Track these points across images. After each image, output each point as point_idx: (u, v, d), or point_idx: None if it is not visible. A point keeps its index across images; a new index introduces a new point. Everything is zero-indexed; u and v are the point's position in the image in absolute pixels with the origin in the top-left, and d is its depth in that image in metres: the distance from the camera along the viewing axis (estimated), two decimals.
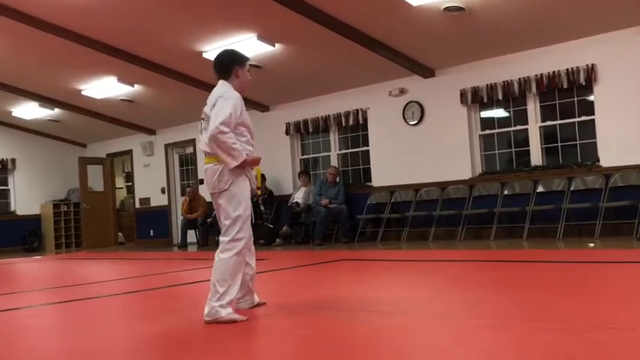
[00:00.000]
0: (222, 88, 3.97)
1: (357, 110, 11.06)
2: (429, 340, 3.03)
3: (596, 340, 2.75)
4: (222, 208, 3.78)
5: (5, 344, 3.61)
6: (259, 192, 11.33)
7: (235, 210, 3.73)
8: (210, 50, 9.67)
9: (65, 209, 15.84)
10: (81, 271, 9.16)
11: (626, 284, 4.49)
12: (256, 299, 4.08)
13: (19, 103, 13.50)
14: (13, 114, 14.24)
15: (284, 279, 6.19)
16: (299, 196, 11.41)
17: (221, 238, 3.75)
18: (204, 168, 3.89)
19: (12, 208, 15.56)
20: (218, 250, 3.72)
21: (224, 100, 3.80)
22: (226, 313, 3.58)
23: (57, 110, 13.68)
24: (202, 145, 3.87)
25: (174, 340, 3.36)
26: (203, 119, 3.89)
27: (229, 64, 4.08)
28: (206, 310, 3.61)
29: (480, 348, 2.79)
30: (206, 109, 3.87)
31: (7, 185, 15.61)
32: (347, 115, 11.19)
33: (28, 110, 13.80)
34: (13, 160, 15.48)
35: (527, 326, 3.13)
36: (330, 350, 2.92)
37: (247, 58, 4.23)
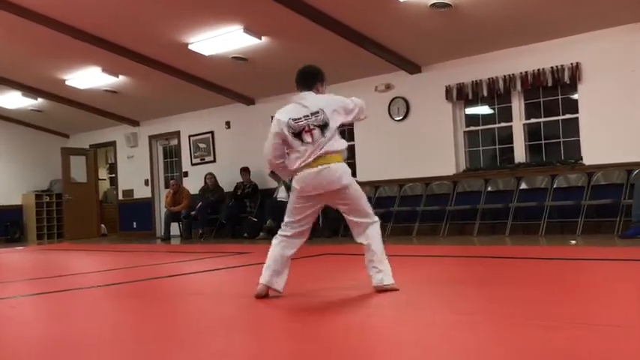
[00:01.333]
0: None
1: None
2: (411, 335, 3.03)
3: (578, 336, 2.76)
4: (357, 197, 4.34)
5: None
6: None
7: (363, 193, 4.38)
8: (196, 42, 9.62)
9: (47, 200, 15.72)
10: (63, 262, 9.09)
11: (608, 282, 4.52)
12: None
13: (1, 93, 13.35)
14: None
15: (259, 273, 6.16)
16: (283, 192, 11.39)
17: (366, 220, 4.29)
18: (327, 167, 4.19)
19: None
20: (372, 228, 4.31)
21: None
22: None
23: (40, 100, 13.56)
24: (326, 145, 4.19)
25: (155, 331, 3.34)
26: (311, 116, 4.17)
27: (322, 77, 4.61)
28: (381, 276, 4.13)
29: (462, 343, 2.79)
30: (320, 108, 4.23)
31: None
32: None
33: (11, 100, 13.67)
34: None
35: (509, 322, 3.14)
36: (313, 343, 2.91)
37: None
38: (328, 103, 4.26)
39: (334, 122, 4.21)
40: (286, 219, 4.25)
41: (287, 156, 4.19)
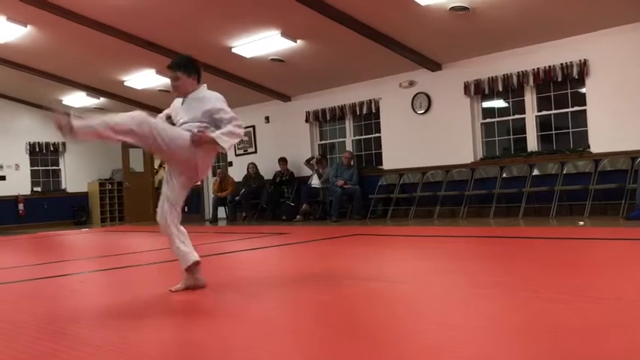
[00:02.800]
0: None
1: (370, 100, 11.02)
2: (434, 307, 3.04)
3: (583, 308, 2.75)
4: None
5: (56, 304, 3.68)
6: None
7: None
8: (239, 46, 9.67)
9: (110, 187, 15.97)
10: (123, 242, 9.26)
11: (613, 259, 4.47)
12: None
13: (68, 93, 13.61)
14: (63, 102, 14.35)
15: (304, 251, 6.22)
16: (316, 179, 11.44)
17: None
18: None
19: (63, 186, 15.74)
20: None
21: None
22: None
23: (102, 99, 13.78)
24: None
25: (198, 304, 3.40)
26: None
27: (197, 70, 3.96)
28: None
29: (479, 314, 2.80)
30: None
31: (58, 166, 15.77)
32: (361, 104, 11.15)
33: (77, 99, 13.90)
34: (64, 144, 15.61)
35: (522, 295, 3.13)
36: (345, 314, 2.94)
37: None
38: None
39: None
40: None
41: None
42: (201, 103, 3.79)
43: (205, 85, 3.95)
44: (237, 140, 3.81)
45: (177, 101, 4.04)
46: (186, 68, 3.85)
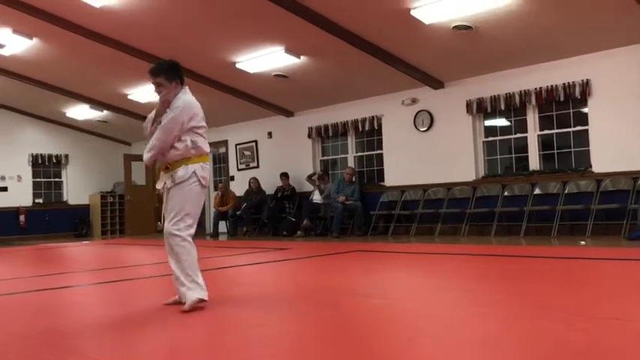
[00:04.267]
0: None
1: (372, 117, 11.05)
2: (433, 325, 3.03)
3: (583, 328, 2.74)
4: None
5: (58, 316, 3.67)
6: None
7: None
8: (243, 61, 9.72)
9: (111, 200, 16.00)
10: (124, 255, 9.25)
11: (613, 279, 4.45)
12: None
13: (72, 105, 13.68)
14: (67, 114, 14.43)
15: (305, 266, 6.21)
16: (317, 195, 11.43)
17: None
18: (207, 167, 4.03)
19: (65, 198, 15.77)
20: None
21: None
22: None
23: (106, 112, 13.83)
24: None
25: (196, 317, 3.39)
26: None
27: (178, 75, 4.00)
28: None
29: (478, 332, 2.79)
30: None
31: (60, 178, 15.82)
32: (363, 121, 11.19)
33: (80, 111, 13.97)
34: (67, 156, 15.67)
35: (522, 314, 3.12)
36: (344, 331, 2.93)
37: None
38: None
39: None
40: (191, 216, 3.81)
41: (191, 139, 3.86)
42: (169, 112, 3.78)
43: (186, 87, 3.96)
44: (152, 152, 3.75)
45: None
46: (167, 74, 3.82)
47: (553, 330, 2.71)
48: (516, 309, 3.29)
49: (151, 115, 3.95)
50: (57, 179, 15.76)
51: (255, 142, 13.29)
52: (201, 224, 14.53)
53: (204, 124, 4.00)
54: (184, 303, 3.57)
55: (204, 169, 3.90)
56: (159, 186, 3.87)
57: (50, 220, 15.21)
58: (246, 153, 13.53)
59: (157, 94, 3.89)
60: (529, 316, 3.06)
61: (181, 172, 3.76)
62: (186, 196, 3.74)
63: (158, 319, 3.42)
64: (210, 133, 15.43)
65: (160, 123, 3.79)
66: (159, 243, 11.86)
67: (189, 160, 3.81)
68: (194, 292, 3.59)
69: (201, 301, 3.58)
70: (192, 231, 3.79)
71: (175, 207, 3.74)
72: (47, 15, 8.69)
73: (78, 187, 15.84)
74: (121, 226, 15.93)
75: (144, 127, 3.95)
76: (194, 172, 3.80)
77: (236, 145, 13.73)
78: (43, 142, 15.31)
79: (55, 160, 15.50)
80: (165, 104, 3.83)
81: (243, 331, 2.97)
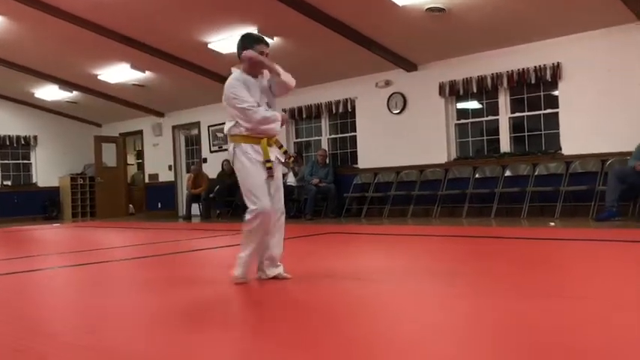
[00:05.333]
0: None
1: (346, 99, 11.05)
2: (407, 306, 3.07)
3: (549, 306, 2.79)
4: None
5: (28, 300, 3.63)
6: None
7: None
8: (215, 41, 9.61)
9: (81, 182, 15.77)
10: (95, 238, 9.16)
11: (582, 260, 4.55)
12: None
13: (41, 86, 13.39)
14: (35, 95, 14.13)
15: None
16: (291, 177, 11.42)
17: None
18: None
19: (34, 180, 15.51)
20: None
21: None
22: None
23: (75, 93, 13.58)
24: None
25: (170, 302, 3.38)
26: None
27: (238, 51, 3.93)
28: None
29: (450, 312, 2.83)
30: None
31: (29, 160, 15.53)
32: (337, 103, 11.18)
33: (49, 92, 13.70)
34: (35, 137, 15.39)
35: (492, 294, 3.17)
36: (319, 312, 2.95)
37: (251, 40, 3.96)
38: None
39: None
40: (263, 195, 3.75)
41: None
42: None
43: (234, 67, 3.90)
44: None
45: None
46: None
47: (519, 308, 2.76)
48: (487, 289, 3.34)
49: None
50: (25, 161, 15.48)
51: None
52: (172, 207, 14.53)
53: None
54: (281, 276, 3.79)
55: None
56: (273, 158, 3.76)
57: (19, 202, 14.95)
58: (219, 135, 13.42)
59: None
60: (498, 295, 3.12)
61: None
62: None
63: (130, 301, 3.41)
64: (183, 114, 15.36)
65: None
66: (130, 226, 11.81)
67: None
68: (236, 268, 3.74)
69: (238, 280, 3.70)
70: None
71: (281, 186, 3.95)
72: None
73: (47, 169, 15.58)
74: (92, 209, 15.74)
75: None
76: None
77: (209, 126, 13.61)
78: (11, 123, 14.99)
79: (23, 142, 15.20)
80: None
81: (214, 318, 2.96)
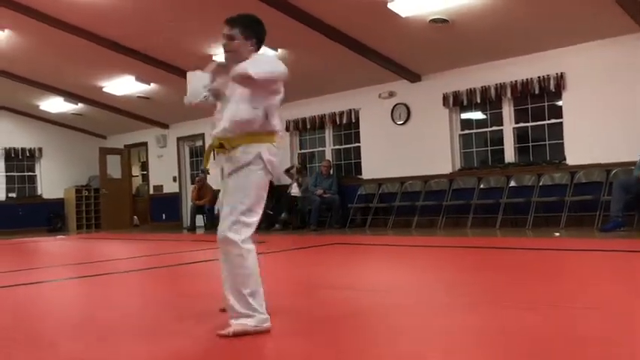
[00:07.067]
0: None
1: (350, 110, 11.07)
2: (409, 316, 3.06)
3: (553, 316, 2.79)
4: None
5: (32, 312, 3.63)
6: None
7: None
8: (220, 54, 9.64)
9: (86, 194, 15.81)
10: (100, 249, 9.17)
11: (586, 270, 4.53)
12: None
13: (46, 98, 13.47)
14: (40, 107, 14.21)
15: (282, 260, 6.21)
16: (295, 188, 11.43)
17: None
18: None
19: (39, 192, 15.55)
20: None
21: None
22: None
23: (80, 105, 13.64)
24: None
25: (176, 309, 3.39)
26: None
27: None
28: None
29: (452, 323, 2.82)
30: None
31: (34, 171, 15.59)
32: (341, 114, 11.20)
33: (54, 104, 13.77)
34: (40, 149, 15.45)
35: (496, 304, 3.17)
36: (322, 322, 2.95)
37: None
38: None
39: None
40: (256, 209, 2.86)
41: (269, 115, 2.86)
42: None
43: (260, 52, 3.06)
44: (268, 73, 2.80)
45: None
46: (245, 28, 3.00)
47: (523, 318, 2.76)
48: (490, 299, 3.33)
49: (202, 76, 3.01)
50: (30, 173, 15.53)
51: None
52: (177, 218, 14.54)
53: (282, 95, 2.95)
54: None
55: (271, 152, 2.88)
56: (212, 171, 3.00)
57: (24, 214, 14.99)
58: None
59: (224, 51, 3.05)
60: (502, 305, 3.11)
61: (245, 151, 2.82)
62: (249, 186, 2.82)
63: (135, 316, 3.41)
64: (187, 126, 15.43)
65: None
66: (135, 237, 11.83)
67: (255, 138, 2.85)
68: (247, 319, 2.67)
69: (258, 329, 2.67)
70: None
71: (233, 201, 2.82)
72: (19, 6, 8.55)
73: (52, 181, 15.63)
74: (97, 221, 15.75)
75: (192, 94, 2.98)
76: (259, 155, 2.83)
77: None
78: (16, 135, 15.07)
79: (28, 154, 15.27)
80: (230, 65, 2.88)
81: (218, 325, 2.96)
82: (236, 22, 3.04)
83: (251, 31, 3.02)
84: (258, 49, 3.03)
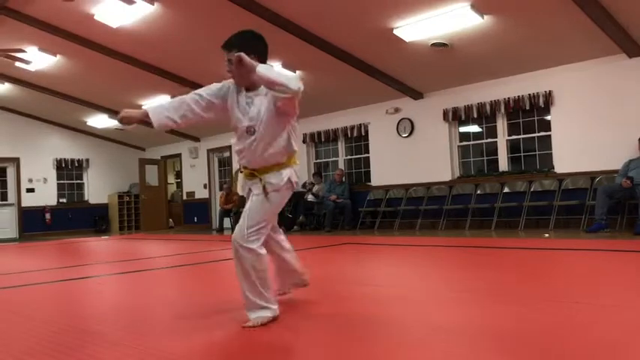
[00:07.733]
0: None
1: (360, 124, 11.07)
2: (415, 309, 3.04)
3: (544, 310, 2.76)
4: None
5: (79, 304, 3.66)
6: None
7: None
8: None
9: (127, 199, 15.94)
10: (139, 248, 9.22)
11: (574, 268, 4.48)
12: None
13: (92, 115, 13.63)
14: (87, 123, 14.38)
15: (300, 257, 6.19)
16: (311, 194, 11.43)
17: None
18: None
19: (86, 198, 15.71)
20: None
21: None
22: None
23: None
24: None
25: (209, 306, 3.39)
26: None
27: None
28: None
29: (454, 315, 2.80)
30: None
31: (82, 180, 15.75)
32: (352, 128, 11.20)
33: (100, 120, 13.92)
34: (87, 160, 15.62)
35: (492, 299, 3.14)
36: (337, 314, 2.94)
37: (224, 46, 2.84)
38: None
39: None
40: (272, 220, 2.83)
41: (291, 134, 2.74)
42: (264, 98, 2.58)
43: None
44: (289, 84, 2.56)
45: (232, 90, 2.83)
46: (243, 48, 2.68)
47: (517, 312, 2.73)
48: (487, 294, 3.31)
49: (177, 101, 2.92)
50: (79, 181, 15.69)
51: None
52: (207, 221, 14.59)
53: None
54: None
55: (296, 173, 2.79)
56: (240, 192, 2.88)
57: (73, 217, 15.15)
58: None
59: (232, 77, 2.83)
60: (497, 300, 3.08)
61: (275, 179, 2.68)
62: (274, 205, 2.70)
63: (173, 308, 3.42)
64: (217, 139, 15.51)
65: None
66: (170, 237, 11.90)
67: (283, 165, 2.70)
68: (262, 311, 2.68)
69: (272, 319, 2.69)
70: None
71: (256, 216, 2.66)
72: (69, 34, 8.68)
73: (97, 188, 15.79)
74: (137, 223, 15.88)
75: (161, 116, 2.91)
76: (289, 179, 2.72)
77: None
78: (67, 147, 15.25)
79: (77, 164, 15.44)
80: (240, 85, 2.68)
81: (243, 316, 2.96)
82: (233, 44, 2.74)
83: (249, 49, 2.70)
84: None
